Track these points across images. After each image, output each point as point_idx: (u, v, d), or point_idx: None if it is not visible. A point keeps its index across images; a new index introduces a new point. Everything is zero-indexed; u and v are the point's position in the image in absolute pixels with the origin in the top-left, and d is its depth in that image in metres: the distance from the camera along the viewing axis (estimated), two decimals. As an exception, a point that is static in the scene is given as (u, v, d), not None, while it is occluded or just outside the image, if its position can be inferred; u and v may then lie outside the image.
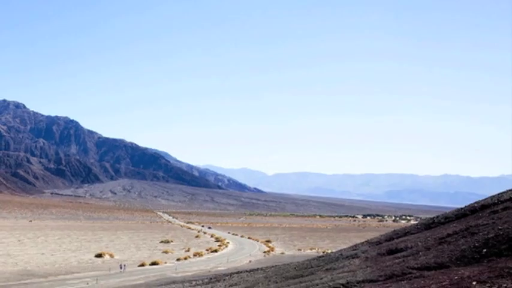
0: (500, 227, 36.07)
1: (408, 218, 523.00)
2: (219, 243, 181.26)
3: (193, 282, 71.34)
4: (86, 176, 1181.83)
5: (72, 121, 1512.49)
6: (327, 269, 48.73)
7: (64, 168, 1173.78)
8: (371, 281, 35.90)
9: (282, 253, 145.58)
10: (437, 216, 56.65)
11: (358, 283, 36.31)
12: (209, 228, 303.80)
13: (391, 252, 45.47)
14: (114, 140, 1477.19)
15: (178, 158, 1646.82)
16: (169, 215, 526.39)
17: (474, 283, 26.74)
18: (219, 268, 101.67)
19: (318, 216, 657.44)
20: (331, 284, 39.05)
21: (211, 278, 74.55)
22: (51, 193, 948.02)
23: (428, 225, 53.56)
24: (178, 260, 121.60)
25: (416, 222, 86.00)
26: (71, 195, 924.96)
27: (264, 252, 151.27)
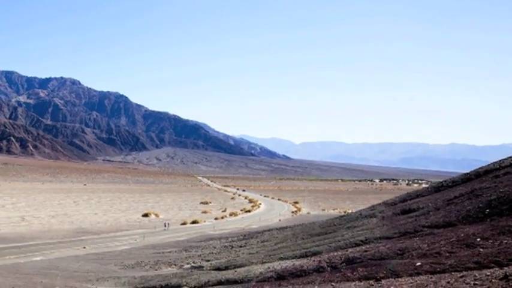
0: (501, 190, 35.80)
1: (420, 182, 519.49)
2: (252, 204, 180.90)
3: (229, 239, 71.26)
4: (134, 144, 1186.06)
5: (122, 96, 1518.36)
6: (348, 227, 48.49)
7: (115, 137, 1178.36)
8: (387, 237, 35.69)
9: (308, 213, 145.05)
10: (446, 181, 56.31)
11: (375, 239, 36.10)
12: (243, 191, 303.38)
13: (404, 212, 45.22)
14: (159, 113, 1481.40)
15: (216, 129, 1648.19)
16: (208, 179, 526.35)
17: (478, 239, 26.55)
18: (252, 226, 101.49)
19: (339, 180, 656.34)
20: (351, 240, 38.83)
21: (245, 235, 74.46)
22: (103, 160, 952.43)
23: (438, 188, 53.18)
24: (215, 219, 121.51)
25: (427, 185, 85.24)
26: (121, 162, 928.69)
27: (292, 212, 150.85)
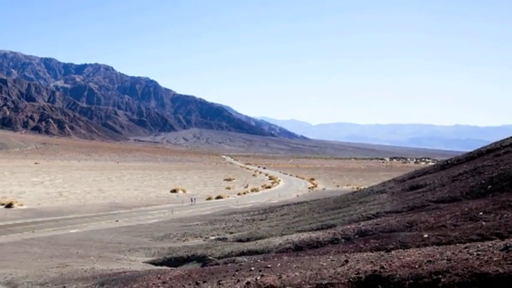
0: (502, 168, 35.73)
1: (427, 160, 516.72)
2: (272, 180, 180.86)
3: (251, 213, 71.31)
4: (163, 125, 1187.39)
5: (152, 81, 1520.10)
6: (360, 202, 48.41)
7: (145, 119, 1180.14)
8: (396, 211, 35.65)
9: (324, 189, 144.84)
10: (451, 159, 56.20)
11: (386, 213, 36.05)
12: (264, 168, 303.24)
13: (412, 188, 45.11)
14: (186, 96, 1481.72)
15: (239, 111, 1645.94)
16: (231, 158, 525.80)
17: (481, 213, 26.47)
18: (272, 201, 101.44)
19: (353, 159, 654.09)
20: (364, 214, 38.80)
21: (265, 209, 74.47)
22: (134, 140, 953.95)
23: (443, 166, 53.02)
24: (238, 194, 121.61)
25: (434, 163, 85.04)
26: (151, 142, 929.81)
27: (309, 188, 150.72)
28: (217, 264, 30.53)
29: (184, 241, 47.62)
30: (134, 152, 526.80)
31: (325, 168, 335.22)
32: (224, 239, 44.74)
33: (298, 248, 30.93)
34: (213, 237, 47.62)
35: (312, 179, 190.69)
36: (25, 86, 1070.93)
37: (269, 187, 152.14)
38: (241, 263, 25.09)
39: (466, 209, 28.69)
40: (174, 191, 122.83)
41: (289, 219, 52.17)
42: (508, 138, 49.84)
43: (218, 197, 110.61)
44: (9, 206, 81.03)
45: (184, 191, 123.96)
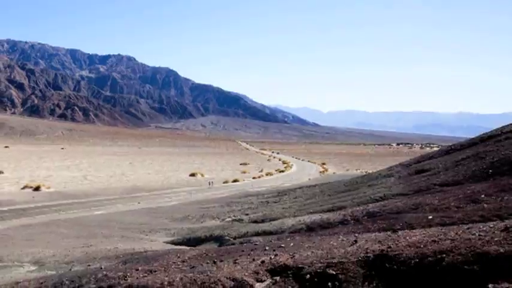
0: (503, 153, 35.74)
1: (431, 145, 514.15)
2: (285, 165, 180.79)
3: (265, 196, 71.30)
4: (182, 113, 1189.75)
5: (172, 71, 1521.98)
6: (368, 185, 48.37)
7: (165, 107, 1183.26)
8: (403, 194, 35.64)
9: (334, 173, 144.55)
10: (454, 145, 56.11)
11: (393, 196, 36.05)
12: (277, 153, 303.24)
13: (418, 172, 45.05)
14: (204, 85, 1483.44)
15: (254, 99, 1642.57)
16: (247, 144, 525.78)
17: (482, 196, 26.48)
18: (285, 184, 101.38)
19: (361, 145, 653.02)
20: (372, 196, 38.80)
21: (279, 192, 74.47)
22: (155, 126, 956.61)
23: (447, 151, 52.93)
24: (253, 178, 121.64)
25: (438, 149, 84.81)
26: (171, 128, 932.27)
27: (320, 172, 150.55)
28: (233, 244, 30.63)
29: (202, 222, 47.77)
30: (155, 138, 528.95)
31: (335, 153, 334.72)
32: (240, 220, 44.85)
33: (310, 229, 30.99)
34: (230, 219, 47.72)
35: (323, 164, 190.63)
36: (52, 76, 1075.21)
37: (282, 171, 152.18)
38: (256, 243, 25.18)
39: (469, 192, 28.69)
40: (192, 175, 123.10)
41: (302, 202, 52.18)
42: (508, 125, 49.68)
43: (234, 181, 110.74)
44: (37, 189, 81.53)
45: (202, 175, 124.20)
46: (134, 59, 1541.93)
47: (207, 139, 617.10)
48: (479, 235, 12.99)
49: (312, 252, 16.11)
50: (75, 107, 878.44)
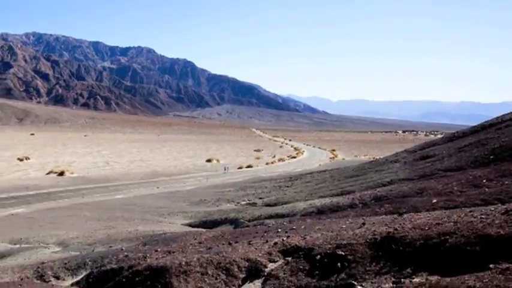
0: (503, 140, 35.73)
1: (435, 133, 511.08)
2: (296, 151, 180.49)
3: (278, 180, 71.34)
4: (199, 102, 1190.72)
5: (189, 62, 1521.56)
6: (376, 171, 48.38)
7: (183, 96, 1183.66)
8: (408, 179, 35.65)
9: (343, 159, 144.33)
10: (457, 132, 56.10)
11: (399, 180, 36.06)
12: (289, 140, 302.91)
13: (423, 158, 45.03)
14: (220, 76, 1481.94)
15: (267, 89, 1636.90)
16: (260, 131, 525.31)
17: (484, 181, 26.50)
18: (296, 170, 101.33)
19: (369, 132, 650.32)
20: (379, 181, 38.81)
21: (291, 177, 74.48)
22: (174, 115, 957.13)
23: (450, 138, 52.89)
24: (266, 164, 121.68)
25: (442, 136, 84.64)
26: (188, 117, 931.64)
27: (330, 158, 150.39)
28: (247, 226, 30.73)
29: (218, 206, 47.88)
30: (173, 126, 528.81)
31: (344, 140, 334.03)
32: (254, 204, 44.94)
33: (321, 212, 31.05)
34: (244, 202, 47.82)
35: (333, 150, 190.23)
36: (75, 67, 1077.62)
37: (294, 157, 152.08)
38: (269, 225, 25.25)
39: (471, 177, 28.70)
40: (209, 160, 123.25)
41: (312, 186, 52.22)
42: (508, 114, 49.80)
43: (248, 166, 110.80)
44: (61, 174, 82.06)
45: (218, 160, 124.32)
46: (153, 50, 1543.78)
47: (222, 127, 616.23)
48: (480, 218, 12.99)
49: (322, 234, 16.15)
50: (98, 97, 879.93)
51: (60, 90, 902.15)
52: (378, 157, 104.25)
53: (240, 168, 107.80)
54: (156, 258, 17.18)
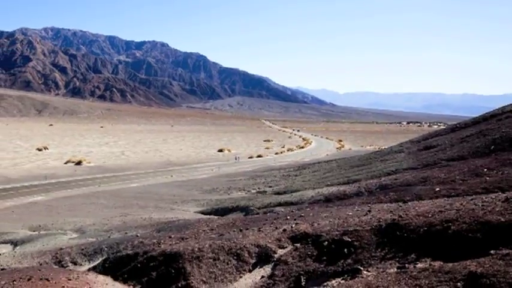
0: (503, 130, 35.68)
1: (438, 124, 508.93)
2: (304, 142, 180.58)
3: (287, 169, 71.38)
4: (211, 94, 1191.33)
5: (202, 55, 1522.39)
6: (381, 160, 48.32)
7: (196, 89, 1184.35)
8: (412, 168, 35.64)
9: (350, 149, 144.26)
10: (459, 123, 55.98)
11: (403, 170, 36.07)
12: (298, 131, 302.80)
13: (426, 148, 44.96)
14: (231, 69, 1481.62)
15: (277, 82, 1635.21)
16: (270, 122, 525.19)
17: (485, 170, 26.54)
18: (304, 159, 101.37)
19: (374, 123, 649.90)
20: (384, 170, 38.81)
21: (299, 166, 74.50)
22: (187, 106, 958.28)
23: (453, 129, 52.75)
24: (276, 153, 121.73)
25: (444, 127, 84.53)
26: (201, 108, 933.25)
27: (337, 148, 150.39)
28: (258, 213, 30.79)
29: (229, 194, 47.99)
30: (186, 117, 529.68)
31: (351, 131, 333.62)
32: (264, 192, 45.01)
33: (328, 200, 31.10)
34: (254, 191, 47.89)
35: (340, 140, 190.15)
36: (92, 60, 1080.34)
37: (302, 147, 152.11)
38: (279, 213, 25.31)
39: (473, 166, 28.68)
40: (220, 150, 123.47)
41: (320, 175, 52.24)
42: (508, 105, 49.70)
43: (258, 156, 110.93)
44: (78, 163, 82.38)
45: (229, 150, 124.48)
46: (167, 44, 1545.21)
47: (233, 118, 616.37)
48: (482, 206, 12.99)
49: (330, 221, 16.20)
50: (114, 89, 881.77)
51: (77, 83, 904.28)
52: (383, 147, 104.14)
53: (251, 157, 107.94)
54: (170, 244, 17.26)
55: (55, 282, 13.29)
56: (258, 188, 49.38)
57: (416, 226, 12.68)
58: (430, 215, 13.26)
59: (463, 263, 9.86)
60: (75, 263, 19.81)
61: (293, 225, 16.38)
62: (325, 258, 13.11)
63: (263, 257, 14.33)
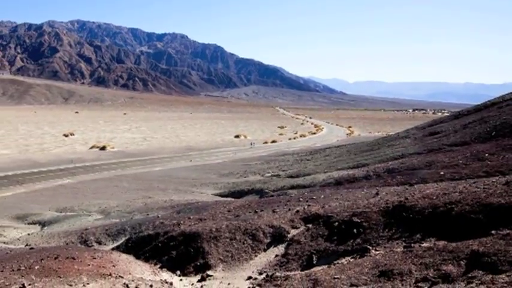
0: (504, 117, 35.61)
1: (443, 111, 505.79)
2: (316, 128, 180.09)
3: (300, 154, 71.33)
4: (227, 83, 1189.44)
5: (219, 47, 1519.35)
6: (388, 145, 48.22)
7: (213, 78, 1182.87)
8: (418, 153, 35.59)
9: (359, 135, 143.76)
10: (462, 110, 55.85)
11: (409, 154, 36.00)
12: (310, 118, 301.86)
13: (431, 134, 44.87)
14: (247, 59, 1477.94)
15: (290, 71, 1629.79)
16: (284, 110, 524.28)
17: (487, 155, 26.53)
18: (316, 145, 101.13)
19: (382, 110, 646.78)
20: (391, 155, 38.77)
21: (311, 151, 74.41)
22: (205, 95, 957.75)
23: (456, 116, 52.60)
24: (289, 139, 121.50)
25: (448, 114, 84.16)
26: (218, 97, 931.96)
27: (347, 134, 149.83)
28: (272, 196, 30.89)
29: (245, 177, 48.04)
30: (204, 105, 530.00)
31: (360, 118, 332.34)
32: (278, 176, 45.04)
33: (338, 183, 31.14)
34: (269, 174, 47.93)
35: (350, 127, 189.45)
36: (116, 51, 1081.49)
37: (314, 133, 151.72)
38: (292, 195, 25.39)
39: (475, 151, 28.66)
40: (237, 136, 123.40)
41: (331, 160, 52.20)
42: (508, 94, 49.76)
43: (273, 141, 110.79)
44: (103, 148, 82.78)
45: (245, 136, 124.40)
46: (187, 36, 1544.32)
47: (249, 105, 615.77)
48: (483, 188, 13.00)
49: (340, 203, 16.24)
50: (136, 78, 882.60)
51: (101, 73, 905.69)
52: (390, 133, 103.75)
53: (265, 143, 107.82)
54: (189, 225, 17.39)
55: (80, 261, 13.43)
56: (272, 172, 49.41)
57: (422, 208, 12.71)
58: (434, 197, 13.28)
59: (465, 243, 9.91)
60: (99, 243, 20.00)
61: (305, 207, 16.44)
62: (335, 238, 13.18)
63: (277, 237, 14.42)
